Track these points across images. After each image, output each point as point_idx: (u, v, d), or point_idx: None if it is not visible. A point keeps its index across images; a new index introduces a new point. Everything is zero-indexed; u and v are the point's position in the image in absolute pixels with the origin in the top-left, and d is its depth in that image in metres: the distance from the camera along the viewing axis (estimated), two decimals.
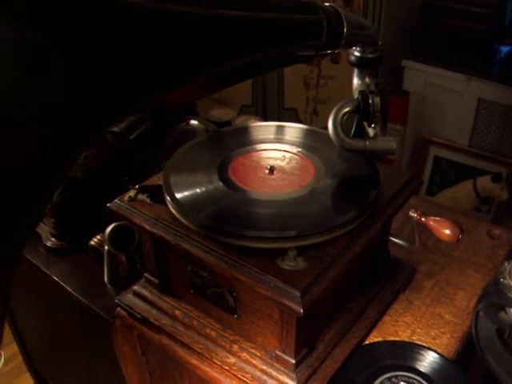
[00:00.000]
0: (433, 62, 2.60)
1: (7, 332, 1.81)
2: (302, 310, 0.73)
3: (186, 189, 0.89)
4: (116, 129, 0.89)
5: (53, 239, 1.32)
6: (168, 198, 0.88)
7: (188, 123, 1.31)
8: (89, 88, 0.50)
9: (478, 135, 2.65)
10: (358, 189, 0.91)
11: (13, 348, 2.05)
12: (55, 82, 0.46)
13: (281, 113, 2.71)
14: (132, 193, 0.91)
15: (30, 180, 0.48)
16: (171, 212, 0.87)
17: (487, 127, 2.61)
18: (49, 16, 0.45)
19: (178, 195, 0.87)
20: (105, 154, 0.98)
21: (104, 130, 0.56)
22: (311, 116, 2.72)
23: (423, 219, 0.88)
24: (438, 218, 0.87)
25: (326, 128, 0.91)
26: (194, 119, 1.31)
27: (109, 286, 1.21)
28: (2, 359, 2.24)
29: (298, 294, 0.73)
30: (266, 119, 2.57)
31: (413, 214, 0.90)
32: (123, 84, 0.54)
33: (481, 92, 2.54)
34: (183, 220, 0.85)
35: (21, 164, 0.47)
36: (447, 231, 0.85)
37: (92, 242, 1.23)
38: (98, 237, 1.24)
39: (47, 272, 1.27)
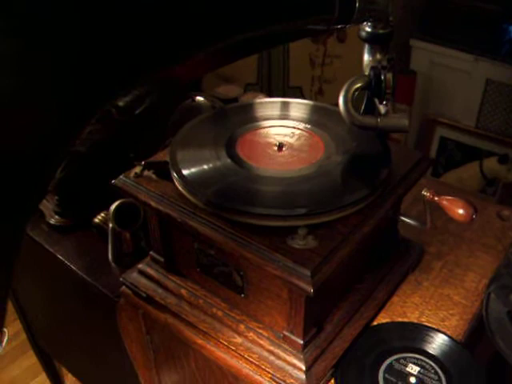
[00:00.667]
0: (440, 41, 2.57)
1: (11, 309, 1.81)
2: (312, 290, 0.71)
3: (192, 165, 0.87)
4: (121, 103, 0.86)
5: (56, 216, 1.30)
6: (174, 175, 0.86)
7: (194, 99, 1.29)
8: (93, 57, 0.48)
9: (485, 116, 2.62)
10: (369, 167, 0.89)
11: (16, 326, 2.04)
12: (58, 50, 0.45)
13: (286, 91, 2.68)
14: (138, 169, 0.89)
15: (35, 153, 0.47)
16: (178, 189, 0.86)
17: (494, 108, 2.58)
18: None
19: (185, 172, 0.85)
20: (109, 128, 0.96)
21: (109, 102, 0.54)
22: (316, 95, 2.69)
23: (436, 198, 0.86)
24: (451, 198, 0.85)
25: (334, 104, 0.89)
26: (200, 95, 1.29)
27: (113, 264, 1.20)
28: (6, 337, 2.24)
29: (308, 273, 0.72)
30: (271, 96, 2.55)
31: (426, 193, 0.88)
32: (129, 54, 0.52)
33: (489, 72, 2.51)
34: (190, 197, 0.83)
35: (26, 136, 0.45)
36: (461, 211, 0.83)
37: (96, 220, 1.22)
38: (102, 214, 1.23)
39: (51, 250, 1.25)
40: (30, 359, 2.11)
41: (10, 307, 1.77)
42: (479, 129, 2.63)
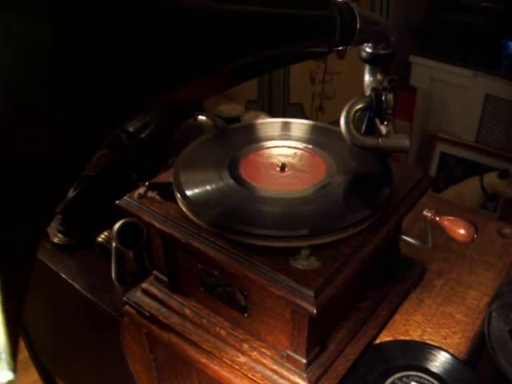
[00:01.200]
0: (440, 57, 2.59)
1: None
2: (315, 311, 0.72)
3: (196, 186, 0.88)
4: (131, 128, 0.88)
5: (60, 235, 1.31)
6: (178, 196, 0.87)
7: (196, 119, 1.30)
8: (104, 83, 0.49)
9: (485, 131, 2.63)
10: (371, 186, 0.90)
11: (19, 342, 2.04)
12: (69, 76, 0.46)
13: (286, 108, 2.70)
14: (142, 190, 0.90)
15: (46, 179, 0.48)
16: (181, 210, 0.86)
17: (494, 123, 2.60)
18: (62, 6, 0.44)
19: (189, 192, 0.86)
20: (118, 153, 0.97)
21: (119, 127, 0.55)
22: (317, 111, 2.71)
23: (437, 218, 0.87)
24: (452, 218, 0.86)
25: (333, 124, 0.90)
26: (202, 115, 1.30)
27: (116, 283, 1.20)
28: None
29: (311, 293, 0.72)
30: (271, 114, 2.56)
31: (427, 214, 0.88)
32: (137, 81, 0.53)
33: (488, 88, 2.52)
34: (194, 218, 0.84)
35: (37, 163, 0.46)
36: (462, 231, 0.84)
37: (99, 239, 1.23)
38: (106, 233, 1.23)
39: (54, 269, 1.26)
40: (32, 376, 2.10)
41: None
42: (479, 144, 2.64)
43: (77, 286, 1.21)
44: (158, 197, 0.90)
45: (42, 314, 1.59)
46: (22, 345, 1.88)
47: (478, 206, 2.63)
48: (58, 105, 0.44)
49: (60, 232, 1.31)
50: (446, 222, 0.86)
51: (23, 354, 2.05)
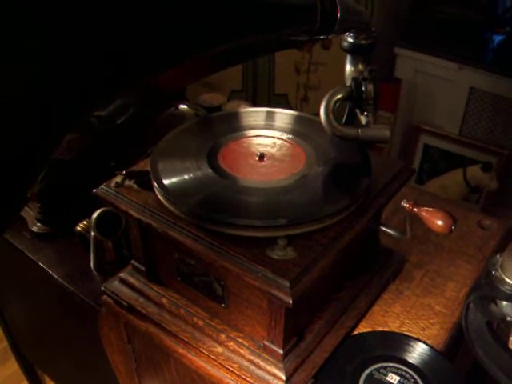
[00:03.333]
0: (425, 49, 2.58)
1: None
2: (291, 301, 0.71)
3: (174, 175, 0.87)
4: (102, 113, 0.86)
5: (38, 224, 1.29)
6: (155, 185, 0.86)
7: (177, 108, 1.29)
8: (73, 66, 0.48)
9: (469, 124, 2.64)
10: (350, 177, 0.90)
11: None
12: (35, 61, 0.45)
13: (271, 98, 2.69)
14: (119, 178, 0.89)
15: (14, 164, 0.47)
16: (159, 199, 0.86)
17: (478, 116, 2.60)
18: None
19: (166, 182, 0.85)
20: (90, 137, 0.96)
21: (90, 112, 0.54)
22: (301, 102, 2.70)
23: (415, 209, 0.87)
24: (430, 209, 0.86)
25: (317, 114, 0.89)
26: (184, 104, 1.29)
27: (95, 272, 1.19)
28: None
29: (287, 284, 0.72)
30: (255, 105, 2.55)
31: (405, 205, 0.88)
32: (109, 64, 0.52)
33: (472, 81, 2.52)
34: (171, 207, 0.83)
35: (3, 147, 0.45)
36: (440, 222, 0.84)
37: (78, 228, 1.21)
38: (85, 222, 1.22)
39: (32, 258, 1.25)
40: (12, 367, 2.09)
41: None
42: (463, 136, 2.64)
43: (55, 276, 1.20)
44: (135, 186, 0.89)
45: (20, 303, 1.58)
46: (1, 335, 1.87)
47: (461, 199, 2.63)
48: (21, 90, 0.43)
49: (39, 221, 1.30)
50: (424, 212, 0.86)
51: (3, 344, 2.04)
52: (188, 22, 0.61)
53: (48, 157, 0.49)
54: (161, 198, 0.85)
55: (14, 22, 0.42)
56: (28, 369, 1.93)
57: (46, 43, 0.45)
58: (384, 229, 0.97)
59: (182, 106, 1.28)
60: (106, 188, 0.90)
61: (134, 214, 0.86)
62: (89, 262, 1.19)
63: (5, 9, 0.41)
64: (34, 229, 1.29)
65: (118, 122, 0.88)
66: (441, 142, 2.69)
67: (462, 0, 2.49)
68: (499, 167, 2.52)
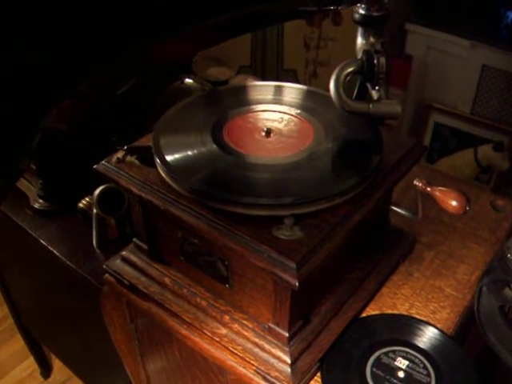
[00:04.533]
0: (437, 26, 2.53)
1: None
2: (297, 283, 0.68)
3: (177, 151, 0.84)
4: (100, 81, 0.83)
5: (40, 201, 1.27)
6: (158, 161, 0.83)
7: (183, 81, 1.25)
8: (68, 30, 0.45)
9: (481, 103, 2.59)
10: (360, 154, 0.86)
11: (4, 309, 2.02)
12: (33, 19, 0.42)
13: (280, 74, 2.64)
14: (120, 154, 0.86)
15: (9, 120, 0.44)
16: (161, 175, 0.83)
17: (490, 95, 2.55)
18: None
19: (169, 157, 0.82)
20: (85, 105, 0.92)
21: (85, 79, 0.51)
22: (310, 78, 2.65)
23: (428, 189, 0.84)
24: (444, 189, 0.82)
25: (326, 89, 0.86)
26: (189, 77, 1.25)
27: (97, 250, 1.17)
28: None
29: (293, 265, 0.69)
30: (264, 80, 2.51)
31: (418, 183, 0.85)
32: (104, 29, 0.49)
33: (485, 58, 2.47)
34: (173, 184, 0.80)
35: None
36: (454, 202, 0.80)
37: (80, 205, 1.19)
38: (87, 199, 1.19)
39: (34, 235, 1.22)
40: (18, 343, 2.08)
41: None
42: (474, 115, 2.59)
43: (57, 253, 1.18)
44: (136, 161, 0.86)
45: (25, 280, 1.57)
46: (7, 312, 1.86)
47: (471, 179, 2.59)
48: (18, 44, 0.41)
49: (40, 197, 1.27)
50: (438, 192, 0.82)
51: (9, 320, 2.04)
52: None
53: (37, 124, 0.47)
54: (163, 174, 0.82)
55: None
56: (33, 345, 1.92)
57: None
58: (395, 208, 0.93)
59: (188, 80, 1.24)
60: (106, 164, 0.87)
61: (135, 190, 0.83)
62: (91, 239, 1.17)
63: None
64: (36, 205, 1.27)
65: (118, 92, 0.85)
66: (452, 121, 2.64)
67: None
68: (511, 147, 2.48)
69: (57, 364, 2.07)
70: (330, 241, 0.74)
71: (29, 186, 1.29)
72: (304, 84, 1.06)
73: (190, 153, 0.83)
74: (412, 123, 2.77)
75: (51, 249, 1.19)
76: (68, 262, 1.16)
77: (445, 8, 2.52)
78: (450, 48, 2.54)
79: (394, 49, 2.59)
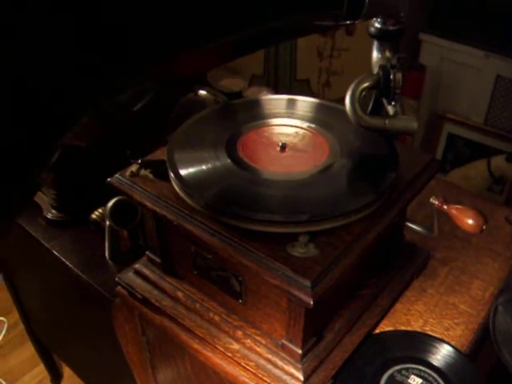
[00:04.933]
0: (451, 36, 2.52)
1: (9, 300, 1.79)
2: (311, 302, 0.68)
3: (191, 165, 0.83)
4: (118, 99, 0.83)
5: (53, 211, 1.27)
6: (172, 175, 0.82)
7: (196, 93, 1.25)
8: (87, 50, 0.45)
9: (495, 113, 2.58)
10: (375, 170, 0.85)
11: (15, 315, 2.03)
12: (50, 41, 0.42)
13: (292, 83, 2.64)
14: (134, 167, 0.86)
15: (23, 145, 0.44)
16: (175, 190, 0.82)
17: (504, 105, 2.54)
18: None
19: (183, 172, 0.82)
20: (105, 124, 0.92)
21: (104, 98, 0.51)
22: (323, 87, 2.65)
23: (445, 207, 0.83)
24: (460, 207, 0.82)
25: (340, 101, 0.85)
26: (203, 89, 1.25)
27: (110, 261, 1.17)
28: (5, 327, 2.22)
29: (308, 284, 0.68)
30: (277, 89, 2.50)
31: (434, 202, 0.84)
32: (124, 49, 0.49)
33: (499, 69, 2.46)
34: (187, 199, 0.80)
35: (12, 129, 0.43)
36: (470, 221, 0.80)
37: (93, 216, 1.19)
38: (100, 210, 1.19)
39: (47, 245, 1.22)
40: (29, 350, 2.08)
41: (8, 297, 1.75)
42: (488, 126, 2.58)
43: (69, 265, 1.18)
44: (150, 175, 0.85)
45: (36, 289, 1.57)
46: (18, 318, 1.87)
47: (484, 189, 2.58)
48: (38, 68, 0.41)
49: (54, 207, 1.28)
50: (454, 210, 0.82)
51: (20, 327, 2.04)
52: (213, 5, 0.57)
53: (58, 140, 0.47)
54: (177, 189, 0.82)
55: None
56: (44, 353, 1.92)
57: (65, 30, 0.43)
58: (410, 225, 0.93)
59: (202, 92, 1.24)
60: (120, 177, 0.86)
61: (149, 204, 0.83)
62: (104, 250, 1.17)
63: None
64: (49, 216, 1.27)
65: (135, 108, 0.85)
66: (465, 131, 2.63)
67: None
68: None
69: (67, 372, 2.06)
70: (345, 259, 0.73)
71: (42, 197, 1.30)
72: (317, 93, 1.05)
73: (204, 167, 0.83)
74: (425, 133, 2.76)
75: (64, 259, 1.19)
76: (80, 273, 1.16)
77: (459, 18, 2.51)
78: (463, 58, 2.53)
79: (408, 58, 2.58)
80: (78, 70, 0.46)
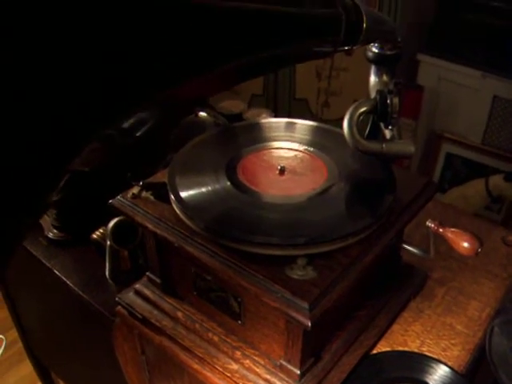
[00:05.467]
0: (448, 57, 2.55)
1: (8, 317, 1.79)
2: (310, 324, 0.69)
3: (191, 188, 0.85)
4: (125, 125, 0.84)
5: (54, 231, 1.28)
6: (172, 197, 0.84)
7: (197, 115, 1.27)
8: (93, 81, 0.46)
9: (492, 133, 2.59)
10: (373, 193, 0.87)
11: (13, 333, 2.03)
12: (55, 74, 0.43)
13: (291, 103, 2.66)
14: (135, 190, 0.88)
15: (31, 173, 0.46)
16: (175, 212, 0.84)
17: (502, 125, 2.56)
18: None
19: (183, 194, 0.83)
20: (111, 149, 0.94)
21: (111, 125, 0.52)
22: (322, 107, 2.67)
23: (441, 230, 0.84)
24: (456, 230, 0.83)
25: (338, 121, 0.87)
26: (203, 111, 1.27)
27: (110, 281, 1.18)
28: (4, 344, 2.22)
29: (306, 306, 0.70)
30: (276, 109, 2.52)
31: (430, 225, 0.85)
32: (131, 78, 0.51)
33: (496, 89, 2.48)
34: (188, 221, 0.81)
35: (22, 156, 0.44)
36: (466, 244, 0.81)
37: (94, 236, 1.20)
38: (101, 230, 1.20)
39: (48, 265, 1.23)
40: (27, 368, 2.08)
41: (7, 315, 1.75)
42: (486, 145, 2.60)
43: (70, 284, 1.19)
44: (152, 197, 0.87)
45: (35, 308, 1.57)
46: (17, 335, 1.87)
47: (482, 209, 2.59)
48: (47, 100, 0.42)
49: (55, 227, 1.29)
50: (450, 234, 0.83)
51: (18, 344, 2.04)
52: (213, 34, 0.59)
53: (68, 166, 0.48)
54: (177, 211, 0.83)
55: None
56: (42, 371, 1.92)
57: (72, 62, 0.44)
58: (407, 247, 0.94)
59: (202, 114, 1.25)
60: (121, 199, 0.88)
61: (150, 226, 0.84)
62: (104, 270, 1.18)
63: None
64: (50, 235, 1.28)
65: (138, 134, 0.86)
66: (463, 151, 2.64)
67: (487, 7, 2.45)
68: None
69: None
70: (342, 281, 0.74)
71: (43, 216, 1.31)
72: (316, 113, 1.07)
73: (204, 190, 0.85)
74: (423, 153, 2.78)
75: (64, 279, 1.20)
76: (81, 293, 1.17)
77: (456, 39, 2.54)
78: (461, 79, 2.55)
79: (405, 79, 2.60)
80: (104, 88, 0.47)
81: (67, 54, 0.43)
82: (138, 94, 0.53)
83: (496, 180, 2.54)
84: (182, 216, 0.82)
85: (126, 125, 0.84)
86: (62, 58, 0.43)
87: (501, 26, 2.42)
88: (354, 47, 0.85)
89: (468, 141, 2.62)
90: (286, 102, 2.64)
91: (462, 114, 2.62)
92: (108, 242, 1.11)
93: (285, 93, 2.63)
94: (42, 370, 1.91)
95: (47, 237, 1.28)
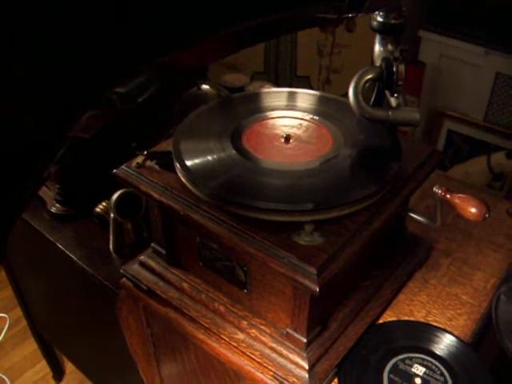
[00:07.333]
0: (450, 33, 2.53)
1: (11, 296, 1.79)
2: (317, 289, 0.69)
3: (196, 156, 0.84)
4: (123, 90, 0.83)
5: (57, 205, 1.28)
6: (178, 166, 0.83)
7: (199, 87, 1.25)
8: (93, 42, 0.45)
9: (494, 110, 2.58)
10: (379, 161, 0.86)
11: (17, 312, 2.03)
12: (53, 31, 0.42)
13: (293, 80, 2.65)
14: (140, 159, 0.87)
15: (30, 139, 0.45)
16: (181, 180, 0.83)
17: (504, 102, 2.55)
18: None
19: (189, 163, 0.83)
20: (110, 115, 0.93)
21: (110, 89, 0.52)
22: (324, 84, 2.65)
23: (448, 196, 0.84)
24: (463, 196, 0.82)
25: (343, 95, 0.86)
26: (206, 83, 1.26)
27: (114, 254, 1.17)
28: (8, 323, 2.23)
29: (314, 271, 0.69)
30: (278, 86, 2.50)
31: (437, 190, 0.85)
32: (129, 39, 0.50)
33: (499, 66, 2.47)
34: (193, 189, 0.81)
35: (20, 123, 0.43)
36: (473, 209, 0.80)
37: (97, 209, 1.19)
38: (104, 203, 1.20)
39: (51, 239, 1.23)
40: (31, 346, 2.09)
41: (11, 294, 1.76)
42: (488, 122, 2.59)
43: (73, 257, 1.19)
44: (156, 166, 0.86)
45: (39, 285, 1.57)
46: (20, 314, 1.87)
47: (484, 186, 2.59)
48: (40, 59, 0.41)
49: (58, 201, 1.28)
50: (457, 199, 0.82)
51: (22, 323, 2.05)
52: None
53: (66, 133, 0.47)
54: (183, 179, 0.83)
55: None
56: (46, 348, 1.93)
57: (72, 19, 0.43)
58: (413, 215, 0.93)
59: (205, 86, 1.24)
60: (126, 168, 0.87)
61: (156, 195, 0.83)
62: (107, 243, 1.18)
63: None
64: (53, 210, 1.28)
65: (140, 99, 0.85)
66: (465, 128, 2.64)
67: None
68: None
69: (69, 367, 2.07)
70: (350, 247, 0.74)
71: (46, 191, 1.30)
72: (317, 90, 1.06)
73: (209, 158, 0.84)
74: (425, 130, 2.77)
75: (68, 253, 1.20)
76: (84, 266, 1.17)
77: (458, 15, 2.52)
78: (463, 55, 2.54)
79: (408, 55, 2.59)
80: (107, 47, 0.46)
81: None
82: (132, 59, 0.52)
83: (498, 157, 2.54)
84: (187, 184, 0.82)
85: (124, 90, 0.83)
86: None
87: (504, 2, 2.40)
88: (359, 15, 0.84)
89: (470, 118, 2.61)
90: (287, 79, 2.63)
91: (464, 91, 2.60)
92: (112, 215, 1.10)
93: (286, 70, 2.61)
94: (45, 347, 1.92)
95: (50, 211, 1.28)
